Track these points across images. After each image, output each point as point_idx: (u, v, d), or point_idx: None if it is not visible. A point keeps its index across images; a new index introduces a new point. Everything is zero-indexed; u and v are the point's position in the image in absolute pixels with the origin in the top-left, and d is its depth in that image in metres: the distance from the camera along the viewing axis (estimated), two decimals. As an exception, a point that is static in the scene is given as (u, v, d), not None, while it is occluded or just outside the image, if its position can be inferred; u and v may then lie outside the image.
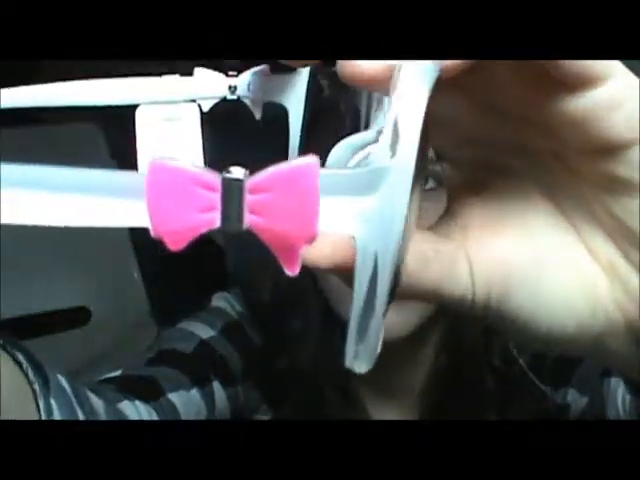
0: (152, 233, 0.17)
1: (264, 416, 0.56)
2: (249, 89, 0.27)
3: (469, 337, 0.53)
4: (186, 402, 0.55)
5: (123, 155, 1.31)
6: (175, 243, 0.17)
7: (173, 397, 0.55)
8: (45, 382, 0.43)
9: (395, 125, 0.17)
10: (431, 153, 0.25)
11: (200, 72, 0.26)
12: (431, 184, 0.49)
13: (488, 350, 0.54)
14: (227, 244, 0.90)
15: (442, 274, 0.25)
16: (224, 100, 0.26)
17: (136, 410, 0.51)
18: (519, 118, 0.24)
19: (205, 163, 0.25)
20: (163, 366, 0.57)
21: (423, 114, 0.18)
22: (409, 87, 0.18)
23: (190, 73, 0.26)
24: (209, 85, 0.26)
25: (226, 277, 0.79)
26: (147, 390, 0.54)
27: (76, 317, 1.32)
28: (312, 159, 0.17)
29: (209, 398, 0.57)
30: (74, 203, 0.17)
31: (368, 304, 0.19)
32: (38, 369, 0.43)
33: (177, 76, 0.26)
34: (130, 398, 0.52)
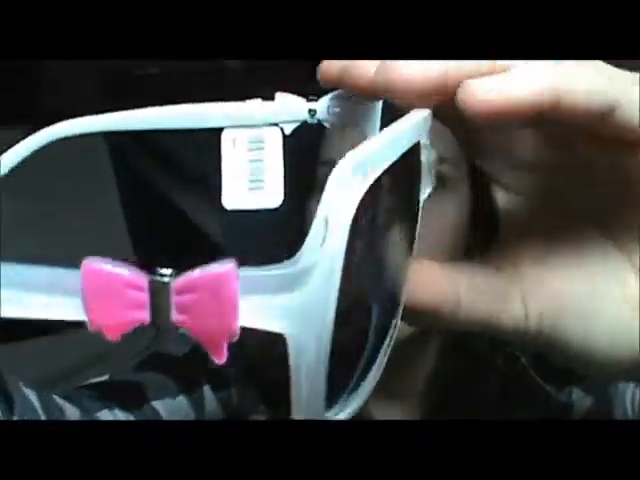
0: (89, 327, 0.18)
1: (261, 416, 0.56)
2: (328, 113, 0.28)
3: (473, 337, 0.53)
4: (171, 409, 0.55)
5: (122, 155, 1.31)
6: (112, 335, 0.18)
7: (157, 404, 0.55)
8: (7, 402, 0.43)
9: (325, 220, 0.17)
10: (434, 155, 0.25)
11: (281, 96, 0.27)
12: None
13: (492, 349, 0.53)
14: (227, 244, 0.90)
15: (495, 305, 0.25)
16: (304, 124, 0.27)
17: (115, 419, 0.51)
18: (587, 156, 0.24)
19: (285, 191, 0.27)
20: (152, 371, 0.57)
21: (353, 212, 0.18)
22: (340, 184, 0.18)
23: (271, 97, 0.27)
24: (290, 109, 0.27)
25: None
26: (130, 398, 0.54)
27: (76, 317, 1.32)
28: (230, 265, 0.18)
29: (198, 403, 0.57)
30: (14, 297, 0.19)
31: (310, 399, 0.21)
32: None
33: (259, 100, 0.27)
34: (110, 407, 0.52)
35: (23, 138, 0.30)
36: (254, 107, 0.27)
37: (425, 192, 0.26)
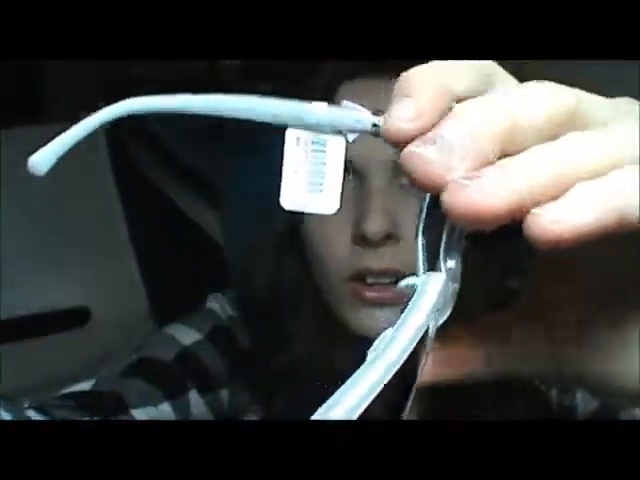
0: None
1: (252, 416, 0.56)
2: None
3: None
4: (153, 417, 0.54)
5: (121, 155, 1.31)
6: None
7: (138, 413, 0.54)
8: None
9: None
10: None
11: (347, 104, 0.27)
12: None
13: None
14: (227, 244, 0.90)
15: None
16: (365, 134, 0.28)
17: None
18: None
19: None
20: (136, 378, 0.56)
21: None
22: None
23: (327, 98, 0.28)
24: (355, 118, 0.27)
25: (226, 277, 0.79)
26: (108, 407, 0.53)
27: (76, 317, 1.32)
28: None
29: (182, 409, 0.56)
30: None
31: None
32: None
33: (326, 104, 0.27)
34: (89, 417, 0.51)
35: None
36: (320, 110, 0.27)
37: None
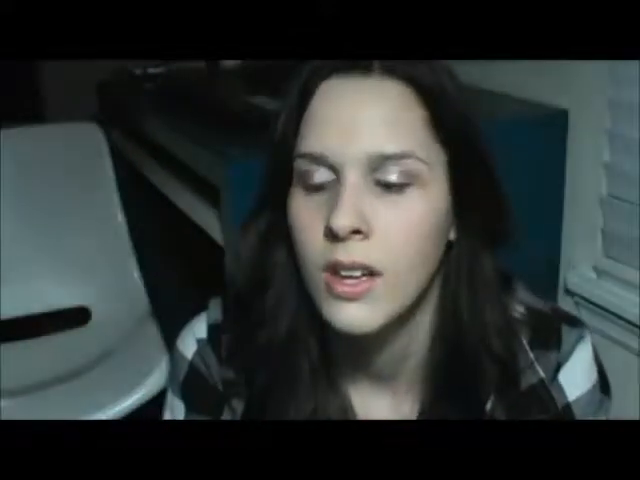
0: None
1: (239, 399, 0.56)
2: None
3: (465, 324, 0.52)
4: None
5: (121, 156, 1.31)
6: None
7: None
8: None
9: None
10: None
11: None
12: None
13: (486, 334, 0.53)
14: (227, 244, 0.90)
15: None
16: None
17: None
18: None
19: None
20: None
21: None
22: None
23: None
24: None
25: (226, 277, 0.80)
26: None
27: (76, 317, 1.32)
28: None
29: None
30: None
31: None
32: None
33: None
34: None
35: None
36: None
37: None
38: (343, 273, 0.46)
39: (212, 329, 0.55)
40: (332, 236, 0.45)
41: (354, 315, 0.46)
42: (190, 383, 0.55)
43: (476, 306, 0.51)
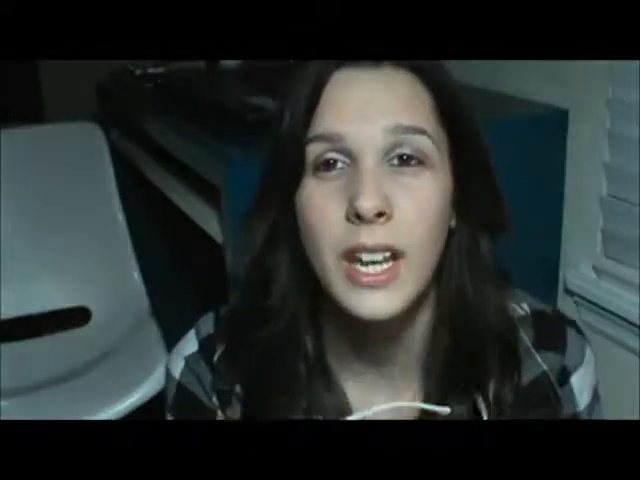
0: None
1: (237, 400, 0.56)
2: None
3: (470, 304, 0.53)
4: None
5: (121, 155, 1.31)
6: None
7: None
8: None
9: None
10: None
11: None
12: None
13: (489, 314, 0.53)
14: (227, 244, 0.90)
15: None
16: None
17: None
18: None
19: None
20: None
21: None
22: None
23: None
24: None
25: (226, 277, 0.79)
26: None
27: (76, 317, 1.33)
28: None
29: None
30: None
31: None
32: None
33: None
34: None
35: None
36: None
37: None
38: (365, 258, 0.46)
39: (204, 341, 0.55)
40: (357, 219, 0.45)
41: (380, 303, 0.47)
42: (180, 403, 0.56)
43: (479, 285, 0.51)
